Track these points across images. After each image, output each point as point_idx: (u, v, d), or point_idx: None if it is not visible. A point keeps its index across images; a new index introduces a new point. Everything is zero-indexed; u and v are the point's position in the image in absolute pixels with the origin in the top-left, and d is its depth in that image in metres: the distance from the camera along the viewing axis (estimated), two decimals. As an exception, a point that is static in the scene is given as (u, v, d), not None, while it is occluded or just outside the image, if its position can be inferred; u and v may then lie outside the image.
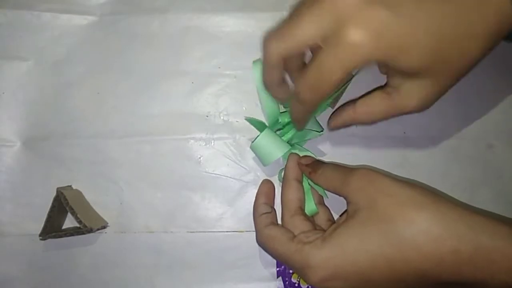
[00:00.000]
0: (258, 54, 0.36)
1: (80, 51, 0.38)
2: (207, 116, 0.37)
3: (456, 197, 0.36)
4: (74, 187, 0.36)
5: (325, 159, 0.36)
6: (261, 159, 0.34)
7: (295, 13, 0.26)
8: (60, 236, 0.34)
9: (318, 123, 0.35)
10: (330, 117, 0.32)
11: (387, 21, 0.23)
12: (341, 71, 0.24)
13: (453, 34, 0.24)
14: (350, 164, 0.36)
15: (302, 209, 0.32)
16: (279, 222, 0.33)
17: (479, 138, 0.37)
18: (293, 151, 0.34)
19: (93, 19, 0.38)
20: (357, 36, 0.23)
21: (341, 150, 0.36)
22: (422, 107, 0.28)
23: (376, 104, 0.29)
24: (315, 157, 0.34)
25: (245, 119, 0.36)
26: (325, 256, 0.26)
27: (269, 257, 0.35)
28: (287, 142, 0.34)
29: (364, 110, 0.30)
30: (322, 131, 0.34)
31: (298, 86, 0.27)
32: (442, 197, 0.26)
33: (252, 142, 0.33)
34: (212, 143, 0.37)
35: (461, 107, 0.37)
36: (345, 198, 0.29)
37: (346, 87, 0.32)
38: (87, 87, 0.37)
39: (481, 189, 0.36)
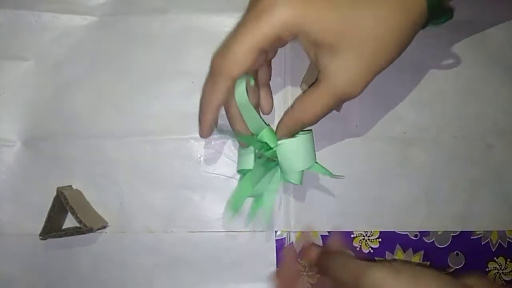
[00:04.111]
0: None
1: (80, 51, 0.38)
2: (207, 116, 0.37)
3: (456, 197, 0.36)
4: (74, 187, 0.36)
5: (325, 159, 0.36)
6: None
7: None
8: (60, 236, 0.34)
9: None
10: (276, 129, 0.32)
11: None
12: (256, 34, 0.26)
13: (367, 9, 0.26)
14: (350, 165, 0.36)
15: None
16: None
17: (479, 138, 0.37)
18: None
19: (93, 19, 0.38)
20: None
21: (341, 150, 0.36)
22: (353, 87, 0.28)
23: (310, 95, 0.29)
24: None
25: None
26: None
27: (269, 257, 0.36)
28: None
29: (301, 106, 0.30)
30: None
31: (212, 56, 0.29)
32: None
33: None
34: (212, 143, 0.37)
35: (461, 107, 0.37)
36: None
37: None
38: (87, 87, 0.37)
39: (481, 189, 0.36)
